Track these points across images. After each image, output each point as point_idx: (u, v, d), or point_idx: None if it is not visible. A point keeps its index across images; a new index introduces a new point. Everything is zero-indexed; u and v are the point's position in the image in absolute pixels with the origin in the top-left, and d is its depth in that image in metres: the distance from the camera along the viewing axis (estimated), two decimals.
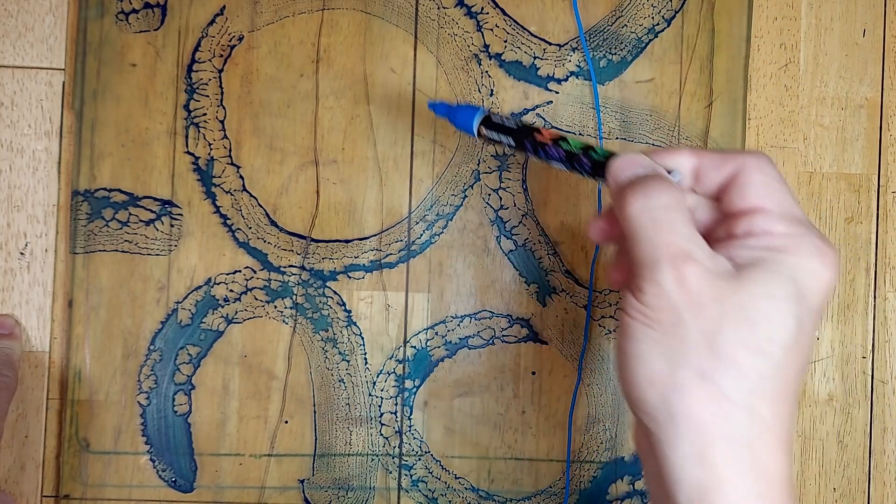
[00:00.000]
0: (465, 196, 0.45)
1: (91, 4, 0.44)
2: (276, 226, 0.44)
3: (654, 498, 0.29)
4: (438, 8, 0.45)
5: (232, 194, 0.44)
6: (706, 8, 0.45)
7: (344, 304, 0.44)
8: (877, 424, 0.45)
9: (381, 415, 0.44)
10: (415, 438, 0.44)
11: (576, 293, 0.45)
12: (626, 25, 0.45)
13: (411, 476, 0.44)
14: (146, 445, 0.44)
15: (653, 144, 0.45)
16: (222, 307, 0.44)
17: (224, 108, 0.44)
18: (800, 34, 0.46)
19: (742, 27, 0.45)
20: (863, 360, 0.45)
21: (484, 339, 0.45)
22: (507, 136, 0.33)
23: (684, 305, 0.25)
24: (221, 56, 0.44)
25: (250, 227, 0.44)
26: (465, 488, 0.45)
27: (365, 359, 0.44)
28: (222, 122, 0.44)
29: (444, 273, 0.45)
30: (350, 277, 0.45)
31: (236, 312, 0.44)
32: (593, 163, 0.31)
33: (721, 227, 0.28)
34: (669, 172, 0.29)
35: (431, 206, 0.45)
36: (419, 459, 0.44)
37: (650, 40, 0.45)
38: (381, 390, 0.44)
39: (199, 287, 0.44)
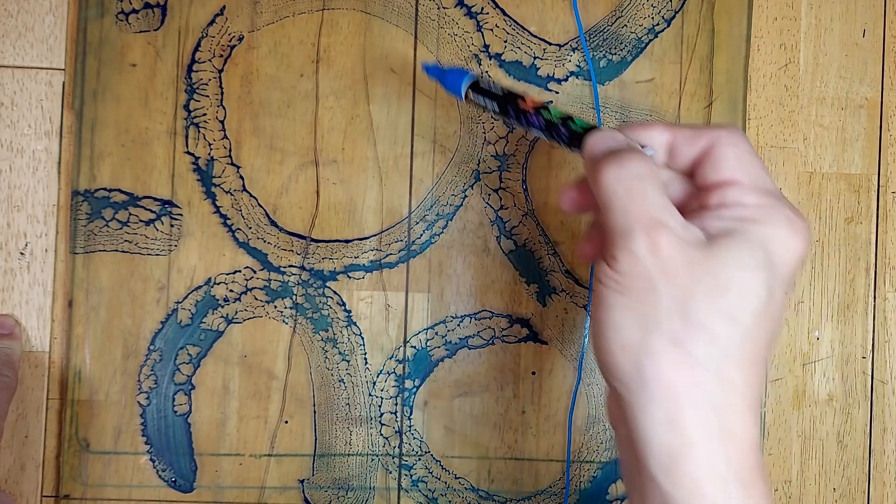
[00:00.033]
0: (465, 196, 0.45)
1: (91, 4, 0.44)
2: (276, 226, 0.44)
3: (625, 466, 0.29)
4: (438, 8, 0.45)
5: (232, 194, 0.44)
6: (706, 8, 0.45)
7: (344, 304, 0.44)
8: (877, 424, 0.45)
9: (381, 415, 0.44)
10: (415, 438, 0.44)
11: (576, 293, 0.45)
12: (626, 25, 0.45)
13: (411, 476, 0.44)
14: (146, 445, 0.44)
15: None
16: (222, 307, 0.44)
17: (224, 108, 0.44)
18: (800, 34, 0.46)
19: (742, 27, 0.45)
20: (863, 360, 0.45)
21: (484, 339, 0.45)
22: (493, 101, 0.34)
23: (657, 272, 0.26)
24: (221, 56, 0.44)
25: (250, 227, 0.44)
26: (465, 488, 0.45)
27: (365, 359, 0.44)
28: (222, 122, 0.44)
29: (444, 273, 0.45)
30: (350, 277, 0.45)
31: (236, 312, 0.44)
32: (571, 133, 0.31)
33: (694, 200, 0.29)
34: (643, 147, 0.29)
35: (431, 206, 0.45)
36: (419, 459, 0.44)
37: (650, 40, 0.45)
38: (381, 390, 0.44)
39: (199, 287, 0.44)
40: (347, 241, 0.45)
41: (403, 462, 0.44)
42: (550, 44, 0.45)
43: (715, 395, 0.26)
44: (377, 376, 0.44)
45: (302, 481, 0.44)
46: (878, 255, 0.45)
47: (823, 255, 0.45)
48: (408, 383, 0.45)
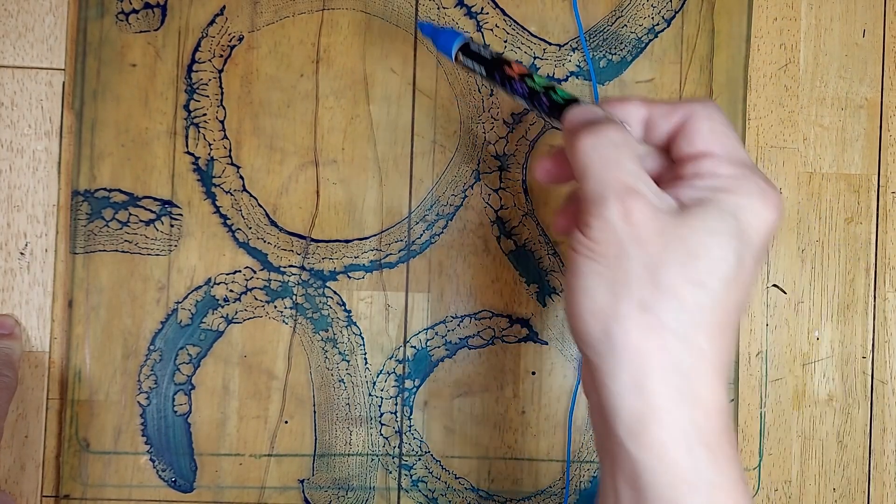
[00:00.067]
0: (465, 196, 0.45)
1: (91, 4, 0.44)
2: (276, 226, 0.44)
3: (597, 435, 0.29)
4: (438, 8, 0.45)
5: (232, 194, 0.44)
6: (706, 8, 0.45)
7: (344, 304, 0.44)
8: (877, 424, 0.45)
9: (381, 415, 0.44)
10: (415, 438, 0.44)
11: None
12: (625, 25, 0.45)
13: (411, 476, 0.44)
14: (146, 445, 0.44)
15: None
16: (222, 307, 0.44)
17: (224, 108, 0.44)
18: (800, 34, 0.46)
19: (742, 27, 0.45)
20: (863, 360, 0.45)
21: (484, 339, 0.45)
22: (481, 65, 0.34)
23: (629, 239, 0.26)
24: (221, 56, 0.44)
25: (250, 227, 0.44)
26: (465, 488, 0.45)
27: (365, 359, 0.44)
28: (222, 122, 0.44)
29: (444, 273, 0.45)
30: (350, 277, 0.45)
31: (236, 312, 0.44)
32: (552, 103, 0.31)
33: (670, 172, 0.29)
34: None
35: (431, 206, 0.45)
36: (419, 459, 0.44)
37: (650, 40, 0.45)
38: (381, 390, 0.44)
39: (199, 287, 0.44)
40: (347, 241, 0.45)
41: (403, 462, 0.44)
42: (550, 44, 0.45)
43: (682, 361, 0.26)
44: (377, 376, 0.44)
45: (302, 481, 0.44)
46: (878, 255, 0.45)
47: (823, 255, 0.45)
48: (408, 383, 0.45)
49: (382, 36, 0.45)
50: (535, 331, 0.45)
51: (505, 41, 0.45)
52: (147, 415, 0.44)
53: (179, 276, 0.44)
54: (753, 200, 0.27)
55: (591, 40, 0.45)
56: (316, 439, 0.44)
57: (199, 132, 0.44)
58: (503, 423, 0.45)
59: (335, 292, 0.44)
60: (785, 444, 0.45)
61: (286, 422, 0.44)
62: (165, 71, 0.44)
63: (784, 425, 0.45)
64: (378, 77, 0.45)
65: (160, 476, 0.44)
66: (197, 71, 0.44)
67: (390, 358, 0.45)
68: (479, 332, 0.45)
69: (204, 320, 0.44)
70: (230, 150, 0.44)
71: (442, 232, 0.45)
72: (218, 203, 0.44)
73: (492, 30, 0.45)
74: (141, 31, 0.44)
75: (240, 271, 0.44)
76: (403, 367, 0.45)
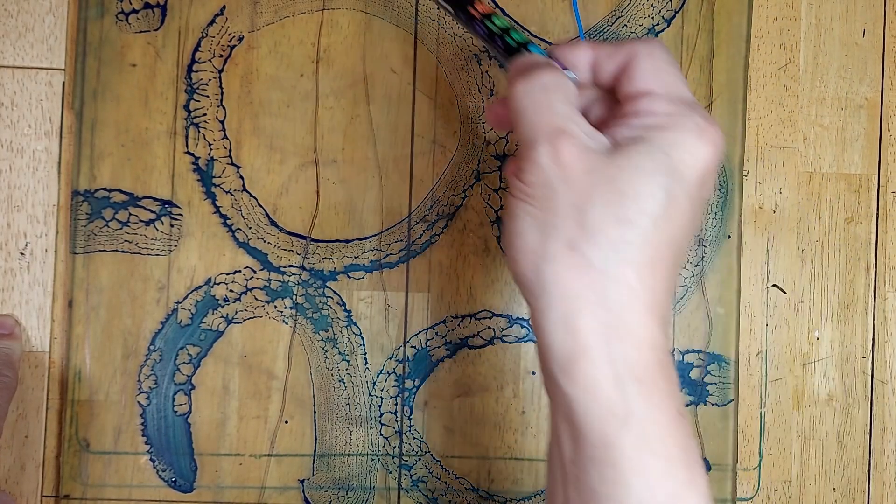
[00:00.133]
0: (465, 196, 0.45)
1: (91, 4, 0.44)
2: (276, 226, 0.44)
3: (544, 376, 0.30)
4: (438, 8, 0.45)
5: (232, 194, 0.44)
6: (706, 8, 0.45)
7: (344, 304, 0.44)
8: (877, 424, 0.45)
9: (381, 415, 0.44)
10: (415, 438, 0.44)
11: None
12: (626, 25, 0.45)
13: (411, 476, 0.44)
14: (146, 445, 0.44)
15: None
16: (222, 307, 0.44)
17: (224, 108, 0.44)
18: (800, 34, 0.46)
19: (742, 27, 0.45)
20: (863, 360, 0.45)
21: (484, 339, 0.45)
22: (450, 4, 0.33)
23: (557, 179, 0.27)
24: (221, 56, 0.44)
25: (250, 227, 0.44)
26: (466, 488, 0.45)
27: (365, 359, 0.44)
28: (222, 122, 0.44)
29: (444, 273, 0.45)
30: (350, 277, 0.45)
31: (236, 312, 0.44)
32: (506, 46, 0.31)
33: (613, 114, 0.29)
34: (565, 70, 0.30)
35: (431, 207, 0.45)
36: (419, 459, 0.44)
37: None
38: (381, 390, 0.44)
39: (199, 287, 0.44)
40: (347, 241, 0.45)
41: (403, 462, 0.44)
42: (550, 44, 0.45)
43: (610, 298, 0.26)
44: (377, 376, 0.44)
45: (302, 481, 0.44)
46: (878, 255, 0.45)
47: (823, 255, 0.45)
48: (408, 383, 0.45)
49: (382, 36, 0.45)
50: None
51: None
52: (147, 415, 0.44)
53: (179, 276, 0.44)
54: (688, 136, 0.27)
55: (591, 40, 0.45)
56: (316, 439, 0.44)
57: (199, 132, 0.44)
58: (503, 423, 0.45)
59: (335, 292, 0.44)
60: (785, 444, 0.45)
61: (286, 422, 0.44)
62: (165, 71, 0.44)
63: (784, 425, 0.45)
64: (378, 77, 0.45)
65: (160, 476, 0.44)
66: (197, 71, 0.44)
67: (390, 358, 0.45)
68: (479, 332, 0.45)
69: (204, 320, 0.44)
70: (230, 150, 0.44)
71: (442, 232, 0.45)
72: (218, 203, 0.44)
73: None
74: (141, 31, 0.44)
75: (240, 271, 0.44)
76: (403, 367, 0.45)
